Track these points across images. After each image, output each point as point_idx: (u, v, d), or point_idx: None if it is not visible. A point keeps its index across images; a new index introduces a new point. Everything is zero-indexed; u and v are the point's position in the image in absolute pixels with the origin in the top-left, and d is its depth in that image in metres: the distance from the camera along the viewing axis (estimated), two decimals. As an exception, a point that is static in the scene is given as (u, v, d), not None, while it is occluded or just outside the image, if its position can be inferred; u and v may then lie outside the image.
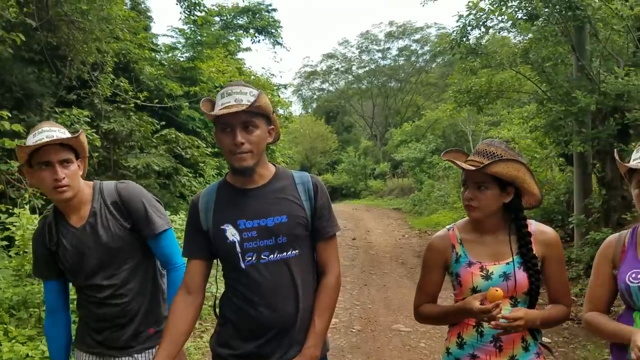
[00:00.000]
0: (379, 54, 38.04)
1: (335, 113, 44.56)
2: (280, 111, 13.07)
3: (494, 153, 1.88)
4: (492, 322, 1.78)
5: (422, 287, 2.07)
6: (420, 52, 36.55)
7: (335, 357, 4.97)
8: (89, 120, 7.34)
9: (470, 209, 1.91)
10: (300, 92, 43.11)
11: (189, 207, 2.00)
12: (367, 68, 38.91)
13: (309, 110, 45.26)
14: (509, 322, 1.76)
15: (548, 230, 1.97)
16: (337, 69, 39.80)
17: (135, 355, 2.17)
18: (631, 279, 1.79)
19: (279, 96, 13.00)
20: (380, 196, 28.88)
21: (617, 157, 1.89)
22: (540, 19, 7.82)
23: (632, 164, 1.82)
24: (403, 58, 37.74)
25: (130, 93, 8.12)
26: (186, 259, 1.99)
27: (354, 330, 5.78)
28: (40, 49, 6.97)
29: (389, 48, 37.65)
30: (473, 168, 1.85)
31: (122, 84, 8.00)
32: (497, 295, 1.76)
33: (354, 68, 39.33)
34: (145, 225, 2.16)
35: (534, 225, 1.95)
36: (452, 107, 10.89)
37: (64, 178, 2.02)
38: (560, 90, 7.62)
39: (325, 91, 43.36)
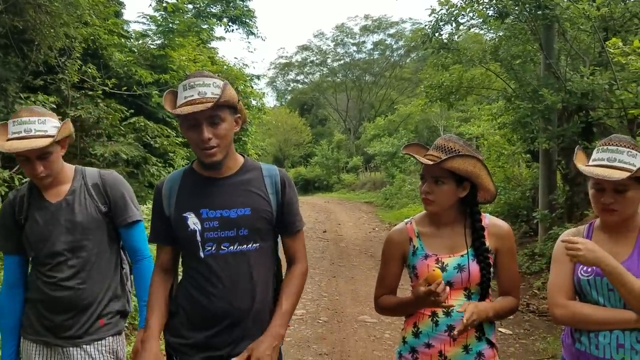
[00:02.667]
0: (354, 48, 38.19)
1: (310, 106, 44.53)
2: (253, 102, 12.99)
3: (451, 148, 1.92)
4: (456, 332, 1.82)
5: (382, 280, 2.11)
6: (395, 46, 36.83)
7: (300, 347, 5.01)
8: (55, 106, 7.16)
9: (427, 202, 1.96)
10: (274, 83, 42.98)
11: (154, 192, 1.99)
12: (342, 61, 39.02)
13: (283, 102, 45.11)
14: (463, 321, 1.79)
15: (501, 223, 2.03)
16: (312, 61, 39.80)
17: (84, 347, 2.14)
18: (582, 272, 1.86)
19: (252, 87, 12.92)
20: (352, 189, 29.05)
21: (575, 157, 1.94)
22: (510, 17, 7.94)
23: (582, 167, 1.87)
24: (378, 52, 37.95)
25: (98, 80, 7.94)
26: (153, 242, 2.01)
27: (320, 321, 5.82)
28: (5, 32, 6.75)
29: (364, 42, 37.84)
30: (431, 162, 1.90)
31: (90, 70, 7.82)
32: (435, 275, 1.80)
33: (329, 61, 39.40)
34: (121, 211, 2.20)
35: (487, 219, 2.00)
36: (424, 102, 11.00)
37: (41, 172, 2.06)
38: (527, 88, 7.76)
39: (300, 83, 43.33)
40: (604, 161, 1.82)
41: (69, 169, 2.21)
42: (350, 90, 39.01)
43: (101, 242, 2.18)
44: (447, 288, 1.81)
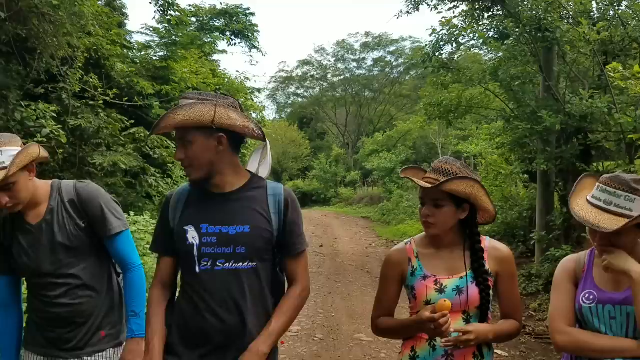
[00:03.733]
0: (354, 64, 38.39)
1: (309, 119, 44.65)
2: (254, 115, 13.01)
3: (449, 170, 1.93)
4: (443, 340, 1.81)
5: (380, 300, 2.10)
6: (394, 63, 37.01)
7: (295, 365, 4.97)
8: (55, 115, 7.17)
9: (427, 225, 1.96)
10: (274, 96, 43.13)
11: (162, 202, 2.00)
12: (342, 76, 39.20)
13: (283, 115, 45.24)
14: (459, 336, 1.80)
15: (501, 247, 2.03)
16: (312, 76, 39.97)
17: (85, 358, 2.14)
18: (584, 300, 1.85)
19: (253, 100, 12.95)
20: (349, 204, 29.03)
21: (574, 189, 1.93)
22: (511, 39, 8.02)
23: (575, 210, 1.83)
24: (378, 69, 38.15)
25: (99, 90, 7.95)
26: (156, 254, 2.00)
27: (315, 339, 5.78)
28: (8, 40, 6.78)
29: (364, 58, 38.03)
30: (429, 186, 1.90)
31: (91, 80, 7.83)
32: (445, 306, 1.80)
33: (329, 76, 39.57)
34: (101, 225, 2.15)
35: (487, 242, 2.01)
36: (423, 119, 11.06)
37: (7, 203, 2.00)
38: (526, 109, 7.80)
39: (300, 97, 43.47)
40: (601, 202, 1.79)
41: (44, 186, 2.16)
42: (349, 105, 39.17)
43: (88, 257, 2.16)
44: (450, 322, 1.80)
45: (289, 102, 44.75)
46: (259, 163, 2.05)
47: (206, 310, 1.82)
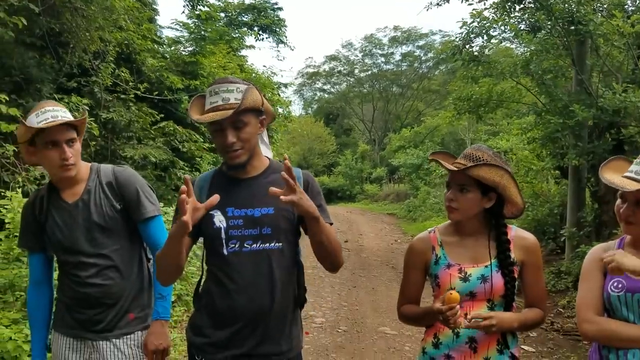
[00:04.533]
0: (382, 59, 38.15)
1: (335, 115, 44.61)
2: (280, 110, 13.09)
3: (479, 157, 1.90)
4: (464, 322, 1.81)
5: (404, 289, 2.10)
6: (423, 58, 36.66)
7: (319, 355, 5.00)
8: (88, 108, 7.33)
9: (450, 209, 1.94)
10: (301, 92, 43.19)
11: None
12: (369, 72, 39.01)
13: (309, 111, 45.29)
14: (480, 321, 1.79)
15: (528, 236, 2.00)
16: (339, 71, 39.90)
17: (114, 340, 2.18)
18: (612, 288, 1.81)
19: (279, 95, 13.01)
20: (375, 200, 28.92)
21: (604, 166, 1.92)
22: (543, 32, 7.87)
23: (601, 174, 1.85)
24: (406, 64, 37.83)
25: (130, 84, 8.10)
26: None
27: (339, 330, 5.79)
28: (42, 34, 6.96)
29: (392, 53, 37.75)
30: (456, 169, 1.88)
31: (122, 74, 7.99)
32: (452, 298, 1.79)
33: (356, 71, 39.45)
34: (136, 208, 2.20)
35: (514, 231, 1.98)
36: (452, 114, 10.91)
37: (71, 157, 2.09)
38: (558, 103, 7.64)
39: (327, 93, 43.44)
40: (632, 173, 1.79)
41: (85, 167, 2.24)
42: (376, 100, 38.99)
43: (121, 239, 2.20)
44: (459, 313, 1.79)
45: (316, 97, 44.81)
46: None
47: (235, 290, 1.86)
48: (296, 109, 43.02)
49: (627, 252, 1.86)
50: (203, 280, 2.01)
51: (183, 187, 1.64)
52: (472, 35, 8.29)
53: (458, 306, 1.79)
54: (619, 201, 1.84)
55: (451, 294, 1.80)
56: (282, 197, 1.68)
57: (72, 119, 2.12)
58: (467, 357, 1.89)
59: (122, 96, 8.01)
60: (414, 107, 38.26)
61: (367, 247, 12.30)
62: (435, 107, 34.93)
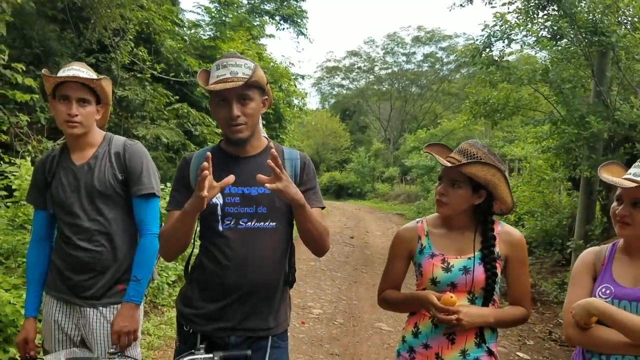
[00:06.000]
0: (404, 58, 38.04)
1: (352, 112, 44.55)
2: (295, 101, 13.09)
3: (474, 154, 1.92)
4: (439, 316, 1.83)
5: (387, 274, 2.13)
6: (445, 60, 36.47)
7: (313, 345, 5.01)
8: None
9: (439, 204, 1.96)
10: (319, 85, 43.18)
11: (180, 164, 2.04)
12: (389, 70, 38.92)
13: (326, 105, 45.26)
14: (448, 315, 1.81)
15: (514, 231, 2.01)
16: (359, 68, 39.86)
17: (101, 309, 2.21)
18: (600, 294, 1.80)
19: (296, 86, 13.01)
20: (385, 200, 28.89)
21: (603, 166, 1.91)
22: (564, 40, 7.77)
23: (600, 173, 1.87)
24: (427, 64, 37.67)
25: (148, 63, 8.14)
26: (169, 211, 1.99)
27: (336, 323, 5.81)
28: (63, 8, 7.02)
29: (414, 53, 37.62)
30: (449, 164, 1.89)
31: (141, 53, 8.03)
32: (449, 302, 1.82)
33: (376, 68, 39.37)
34: (135, 182, 2.23)
35: (500, 226, 1.99)
36: (467, 117, 10.83)
37: (76, 115, 2.15)
38: (575, 113, 7.54)
39: (345, 88, 43.37)
40: (631, 175, 1.79)
41: (99, 134, 2.29)
42: (394, 100, 38.86)
43: (118, 209, 2.23)
44: (451, 319, 1.81)
45: (334, 92, 44.77)
46: None
47: (227, 266, 1.88)
48: (313, 103, 43.07)
49: (618, 257, 1.85)
50: (195, 254, 2.03)
51: (205, 164, 1.67)
52: (493, 39, 8.23)
53: (451, 309, 1.81)
54: (615, 203, 1.83)
55: (451, 297, 1.82)
56: (267, 184, 1.71)
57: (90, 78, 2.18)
58: (444, 348, 1.92)
59: (139, 75, 8.05)
60: (432, 109, 38.09)
61: (372, 245, 12.29)
62: (453, 110, 34.72)
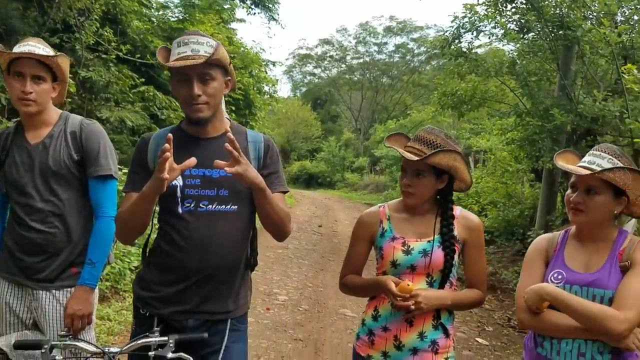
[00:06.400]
0: (375, 47, 38.11)
1: (323, 101, 44.51)
2: (266, 88, 12.98)
3: (433, 142, 1.95)
4: (397, 303, 1.85)
5: (349, 259, 2.14)
6: (416, 51, 36.69)
7: (277, 330, 5.02)
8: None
9: (407, 195, 1.98)
10: (291, 73, 42.94)
11: (137, 144, 1.98)
12: (361, 60, 38.97)
13: (298, 93, 45.09)
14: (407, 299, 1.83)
15: (472, 216, 2.05)
16: (331, 56, 39.80)
17: (54, 292, 2.15)
18: (552, 279, 1.84)
19: (266, 72, 12.88)
20: (354, 189, 29.06)
21: (558, 155, 1.96)
22: (532, 33, 7.89)
23: (556, 161, 1.92)
24: (399, 55, 37.85)
25: (113, 44, 7.93)
26: (127, 193, 1.94)
27: (301, 309, 5.83)
28: (26, -16, 6.78)
29: (386, 43, 37.73)
30: (415, 158, 1.91)
31: (106, 33, 7.81)
32: (406, 289, 1.84)
33: (348, 58, 39.37)
34: (92, 162, 2.17)
35: (459, 211, 2.03)
36: (435, 108, 10.95)
37: (31, 93, 2.08)
38: (540, 106, 7.69)
39: (317, 77, 43.26)
40: (585, 163, 1.84)
41: (55, 112, 2.22)
42: (365, 90, 38.97)
43: (73, 190, 2.17)
44: (407, 305, 1.83)
45: (305, 80, 44.59)
46: None
47: (186, 249, 1.84)
48: (284, 90, 42.87)
49: (570, 243, 1.90)
50: (153, 237, 1.98)
51: (166, 145, 1.62)
52: (462, 30, 8.29)
53: (408, 296, 1.83)
54: (569, 191, 1.87)
55: (408, 284, 1.85)
56: (226, 168, 1.68)
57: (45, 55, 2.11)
58: (403, 330, 1.95)
59: (104, 56, 7.84)
60: (402, 100, 38.34)
61: (340, 233, 12.35)
62: (423, 101, 35.02)
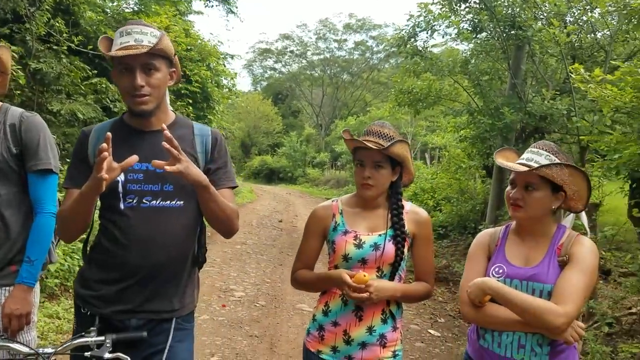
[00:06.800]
0: (335, 44, 38.31)
1: (284, 96, 44.38)
2: (224, 81, 12.82)
3: (387, 134, 2.00)
4: (352, 294, 1.89)
5: (301, 253, 2.15)
6: (375, 49, 37.03)
7: (233, 327, 5.02)
8: (17, 57, 6.93)
9: (367, 187, 2.00)
10: (251, 67, 42.60)
11: (78, 138, 1.92)
12: (322, 56, 39.07)
13: (258, 88, 44.79)
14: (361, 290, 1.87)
15: (420, 211, 2.11)
16: (292, 51, 39.70)
17: None
18: (494, 273, 1.90)
19: (225, 66, 12.72)
20: (316, 185, 29.14)
21: (498, 152, 2.03)
22: (484, 33, 8.11)
23: (496, 159, 1.99)
24: (358, 52, 38.14)
25: (64, 35, 7.70)
26: (67, 189, 1.88)
27: (257, 305, 5.83)
28: (-29, -29, 6.49)
29: (345, 40, 37.95)
30: (375, 147, 1.95)
31: (57, 24, 7.57)
32: (362, 280, 1.87)
33: (309, 53, 39.38)
34: (31, 156, 2.11)
35: (409, 206, 2.08)
36: (392, 105, 11.11)
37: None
38: (491, 104, 7.93)
39: (277, 72, 43.07)
40: (524, 160, 1.90)
41: None
42: (326, 86, 39.07)
43: (12, 186, 2.10)
44: (362, 297, 1.87)
45: (266, 75, 44.32)
46: None
47: (128, 246, 1.80)
48: (245, 84, 42.48)
49: (511, 238, 1.97)
50: (94, 234, 1.94)
51: (104, 145, 1.57)
52: (417, 29, 8.45)
53: (363, 287, 1.87)
54: (509, 187, 1.94)
55: (364, 275, 1.88)
56: (167, 167, 1.64)
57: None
58: (352, 325, 1.98)
59: (55, 47, 7.60)
60: (362, 96, 38.64)
61: (300, 229, 12.32)
62: (382, 99, 35.37)
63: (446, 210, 10.49)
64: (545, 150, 1.88)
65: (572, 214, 2.02)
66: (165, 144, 1.64)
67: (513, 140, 7.98)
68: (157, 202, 1.83)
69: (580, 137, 6.17)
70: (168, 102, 2.00)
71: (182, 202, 1.86)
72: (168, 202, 1.84)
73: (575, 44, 7.65)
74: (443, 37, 9.42)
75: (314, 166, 33.30)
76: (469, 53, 8.68)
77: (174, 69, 1.89)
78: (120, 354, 1.67)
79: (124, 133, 1.86)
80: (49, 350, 1.71)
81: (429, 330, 5.39)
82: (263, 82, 45.18)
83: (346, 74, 38.82)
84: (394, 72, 32.60)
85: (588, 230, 1.99)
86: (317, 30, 38.06)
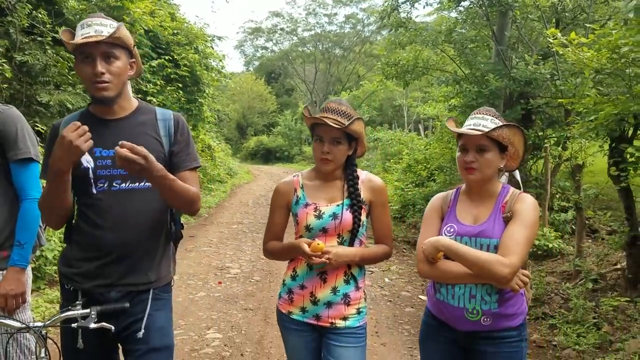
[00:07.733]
0: (326, 19, 37.82)
1: (277, 74, 44.14)
2: (213, 64, 12.81)
3: (345, 112, 2.14)
4: (311, 261, 2.05)
5: (270, 227, 2.30)
6: (366, 22, 36.63)
7: (228, 302, 5.19)
8: (2, 50, 6.96)
9: (326, 162, 2.14)
10: (242, 47, 42.27)
11: (50, 131, 2.04)
12: (312, 32, 38.63)
13: (251, 68, 44.51)
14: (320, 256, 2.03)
15: (376, 179, 2.25)
16: (282, 29, 39.23)
17: None
18: (446, 232, 2.05)
19: (213, 48, 12.70)
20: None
21: (447, 122, 2.15)
22: (467, 2, 8.12)
23: (451, 127, 2.11)
24: (349, 26, 37.73)
25: (48, 26, 7.71)
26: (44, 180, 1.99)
27: (252, 280, 6.00)
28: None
29: (336, 14, 37.71)
30: (337, 126, 2.08)
31: (40, 15, 7.58)
32: (317, 248, 2.04)
33: (299, 30, 38.94)
34: (11, 147, 2.21)
35: (364, 175, 2.23)
36: (380, 78, 11.14)
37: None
38: (477, 72, 7.99)
39: (269, 50, 42.72)
40: (471, 126, 2.02)
41: None
42: (319, 62, 38.78)
43: None
44: (319, 261, 2.03)
45: (258, 54, 43.99)
46: None
47: (103, 227, 1.94)
48: (237, 65, 42.18)
49: (461, 199, 2.11)
50: (74, 220, 2.06)
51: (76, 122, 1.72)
52: (400, 1, 8.44)
53: (320, 253, 2.03)
54: (459, 154, 2.06)
55: (318, 244, 2.04)
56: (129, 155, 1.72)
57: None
58: (317, 287, 2.15)
59: (39, 39, 7.63)
60: (355, 70, 38.39)
61: (296, 206, 12.53)
62: (375, 72, 35.15)
63: (440, 180, 10.60)
64: (490, 115, 2.04)
65: (506, 173, 2.17)
66: (120, 154, 1.70)
67: (501, 107, 8.04)
68: (127, 184, 1.96)
69: (559, 100, 6.25)
70: (130, 91, 2.10)
71: (149, 183, 1.95)
72: (137, 183, 1.96)
73: (559, 7, 7.68)
74: (424, 7, 9.38)
75: (309, 144, 33.34)
76: (452, 22, 8.68)
77: (134, 60, 2.00)
78: (104, 323, 1.83)
79: (89, 122, 1.92)
80: (39, 324, 1.87)
81: (420, 296, 5.57)
82: (255, 62, 44.94)
83: (338, 48, 38.52)
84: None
85: (522, 186, 2.17)
86: (307, 6, 37.75)
